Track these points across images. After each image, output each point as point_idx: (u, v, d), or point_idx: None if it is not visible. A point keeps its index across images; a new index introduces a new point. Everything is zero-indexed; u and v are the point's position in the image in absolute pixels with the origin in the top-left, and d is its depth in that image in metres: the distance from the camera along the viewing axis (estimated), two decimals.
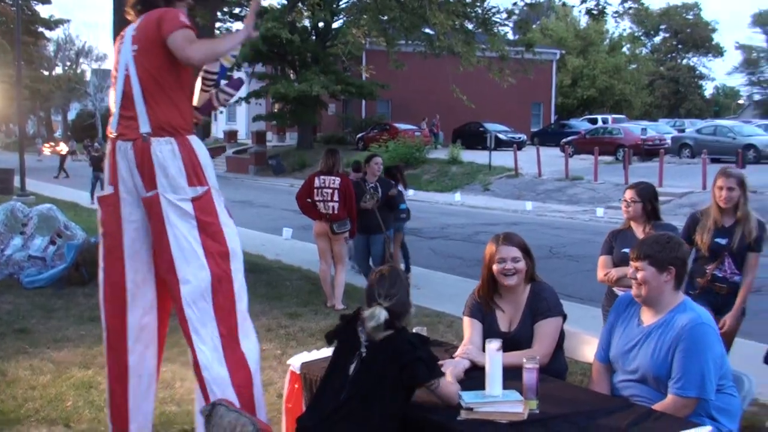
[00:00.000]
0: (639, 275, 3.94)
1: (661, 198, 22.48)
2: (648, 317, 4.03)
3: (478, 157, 33.38)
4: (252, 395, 4.30)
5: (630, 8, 15.27)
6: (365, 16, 13.74)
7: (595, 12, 12.46)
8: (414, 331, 4.34)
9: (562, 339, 4.50)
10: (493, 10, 14.07)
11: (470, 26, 13.89)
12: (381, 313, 3.59)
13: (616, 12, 12.46)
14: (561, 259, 15.09)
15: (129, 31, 4.32)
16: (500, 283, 4.41)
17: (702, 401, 3.78)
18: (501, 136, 38.94)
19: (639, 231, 5.72)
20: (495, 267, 4.39)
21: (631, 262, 4.00)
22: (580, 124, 44.21)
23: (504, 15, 14.48)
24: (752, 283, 5.82)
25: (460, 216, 22.57)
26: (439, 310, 9.67)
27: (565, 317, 4.48)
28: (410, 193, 28.41)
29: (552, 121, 50.45)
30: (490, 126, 40.15)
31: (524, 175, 29.62)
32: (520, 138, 40.23)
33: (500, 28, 14.71)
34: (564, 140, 36.62)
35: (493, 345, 3.74)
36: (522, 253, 4.40)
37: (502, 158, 32.08)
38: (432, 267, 13.62)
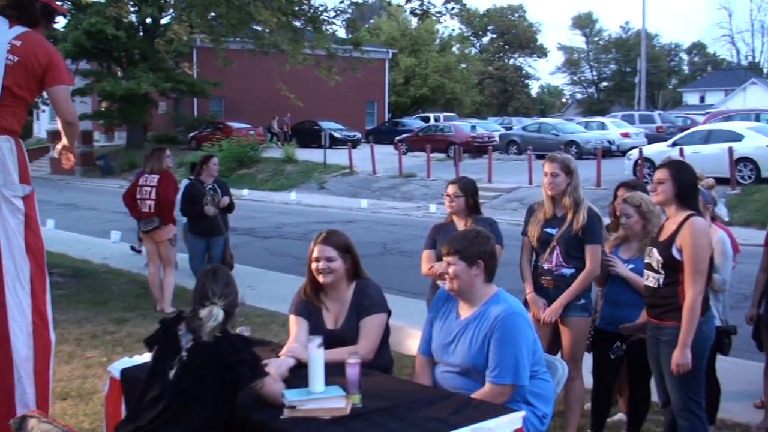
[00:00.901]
0: (450, 270, 4.06)
1: (490, 193, 23.27)
2: (464, 310, 4.16)
3: (314, 155, 33.45)
4: (47, 382, 4.64)
5: (453, 9, 15.66)
6: (192, 13, 13.42)
7: (419, 12, 12.75)
8: (238, 330, 4.30)
9: (387, 334, 4.57)
10: (321, 8, 14.09)
11: (298, 24, 13.87)
12: (219, 313, 3.56)
13: (439, 12, 12.63)
14: (395, 255, 15.35)
15: (4, 33, 4.39)
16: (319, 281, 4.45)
17: (517, 387, 3.95)
18: (336, 134, 39.13)
19: (461, 225, 5.76)
20: (313, 266, 4.42)
21: (443, 258, 4.11)
22: (413, 122, 45.11)
23: (332, 13, 14.56)
24: (590, 277, 5.36)
25: (295, 215, 22.54)
26: (272, 309, 9.63)
27: (390, 313, 4.54)
28: (245, 192, 28.23)
29: (386, 120, 51.23)
30: (325, 124, 40.30)
31: (359, 173, 29.91)
32: (354, 136, 40.60)
33: (329, 26, 14.75)
34: (398, 138, 37.26)
35: (314, 342, 3.76)
36: (339, 252, 4.42)
37: (338, 156, 32.27)
38: (267, 267, 13.55)
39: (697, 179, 4.87)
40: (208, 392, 3.46)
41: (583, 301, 5.38)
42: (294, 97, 15.86)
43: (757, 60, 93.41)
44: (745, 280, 6.72)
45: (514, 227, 15.98)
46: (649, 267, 4.78)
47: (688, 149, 21.28)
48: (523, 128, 36.41)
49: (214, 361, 3.48)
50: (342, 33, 18.37)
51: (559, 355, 5.46)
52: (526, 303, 5.46)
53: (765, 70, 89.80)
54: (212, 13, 13.94)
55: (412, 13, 13.09)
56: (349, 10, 15.78)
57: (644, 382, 5.55)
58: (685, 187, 4.67)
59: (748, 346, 6.61)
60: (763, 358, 6.29)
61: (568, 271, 5.37)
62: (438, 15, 13.36)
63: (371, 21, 57.68)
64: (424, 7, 12.53)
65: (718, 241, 5.73)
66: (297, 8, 13.28)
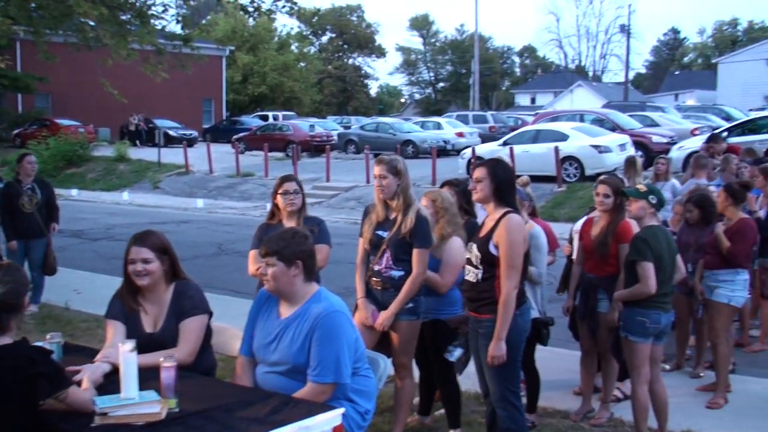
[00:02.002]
0: (269, 271, 4.02)
1: (328, 192, 23.30)
2: (285, 309, 4.13)
3: (148, 154, 32.50)
4: None
5: (283, 6, 15.57)
6: (10, 3, 12.72)
7: (250, 9, 12.63)
8: (48, 337, 4.10)
9: (209, 336, 4.48)
10: (149, 3, 13.69)
11: (124, 17, 13.41)
12: None
13: (269, 10, 12.55)
14: (230, 255, 15.13)
15: None
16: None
17: (339, 385, 3.95)
18: (171, 132, 38.17)
19: (289, 224, 5.74)
20: (129, 268, 4.28)
21: (262, 259, 4.06)
22: (252, 121, 44.54)
23: (161, 8, 14.18)
24: (418, 281, 5.33)
25: (127, 215, 21.80)
26: (99, 314, 9.22)
27: (211, 314, 4.46)
28: (74, 192, 27.10)
29: (224, 118, 50.41)
30: (160, 122, 39.17)
31: (195, 172, 29.30)
32: (191, 134, 39.68)
33: (157, 21, 14.36)
34: (235, 137, 36.75)
35: (126, 346, 3.64)
36: (156, 253, 4.30)
37: (173, 155, 31.50)
38: (95, 270, 13.03)
39: (513, 177, 5.04)
40: (4, 405, 3.26)
41: (411, 304, 5.38)
42: (117, 94, 15.29)
43: (583, 64, 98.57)
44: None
45: (351, 226, 16.17)
46: (469, 262, 4.93)
47: (518, 148, 22.04)
48: (361, 127, 36.72)
49: (8, 373, 3.27)
50: (176, 28, 17.93)
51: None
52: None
53: (590, 74, 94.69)
54: (32, 5, 13.28)
55: (243, 9, 12.94)
56: (183, 7, 15.43)
57: (451, 376, 5.77)
58: (502, 184, 4.83)
59: (569, 336, 6.93)
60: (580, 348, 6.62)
61: (397, 274, 5.36)
62: (268, 12, 13.27)
63: (208, 17, 56.72)
64: (255, 4, 12.44)
65: (533, 235, 5.97)
66: (123, 1, 12.84)
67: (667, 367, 7.61)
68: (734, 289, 6.97)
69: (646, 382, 5.73)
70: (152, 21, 13.84)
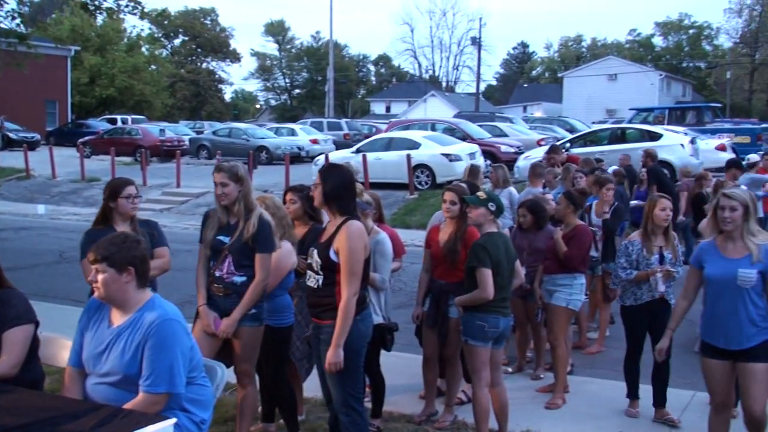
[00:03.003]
0: (99, 278, 3.84)
1: (178, 198, 22.67)
2: (117, 318, 3.96)
3: None
4: None
5: (126, 6, 15.00)
6: None
7: (91, 8, 12.15)
8: None
9: (36, 347, 4.25)
10: None
11: None
12: None
13: (110, 8, 12.06)
14: (72, 263, 14.45)
15: None
16: None
17: (173, 395, 3.82)
18: (12, 135, 36.39)
19: (122, 228, 5.54)
20: None
21: (91, 266, 3.87)
22: (99, 124, 43.00)
23: None
24: (261, 286, 5.27)
25: None
26: None
27: (37, 324, 4.23)
28: None
29: (69, 120, 48.42)
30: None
31: (37, 177, 27.96)
32: (33, 137, 37.90)
33: None
34: (81, 140, 35.36)
35: None
36: None
37: (13, 159, 29.97)
38: None
39: (349, 183, 5.01)
40: None
41: (254, 310, 5.31)
42: None
43: (437, 74, 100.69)
44: (417, 279, 7.11)
45: None
46: (311, 267, 4.89)
47: (371, 156, 22.21)
48: (214, 133, 36.06)
49: None
50: (11, 25, 17.00)
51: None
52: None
53: (444, 84, 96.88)
54: None
55: (83, 8, 12.44)
56: (26, 3, 14.67)
57: (282, 383, 5.79)
58: (334, 190, 4.85)
59: (416, 341, 6.98)
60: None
61: (239, 279, 5.29)
62: (110, 11, 12.79)
63: (53, 15, 54.48)
64: (97, 2, 11.95)
65: (378, 242, 6.01)
66: None
67: (510, 369, 7.83)
68: (572, 293, 7.26)
69: (486, 385, 5.85)
70: None
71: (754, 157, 14.39)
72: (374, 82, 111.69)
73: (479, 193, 6.08)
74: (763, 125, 32.00)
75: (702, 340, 5.33)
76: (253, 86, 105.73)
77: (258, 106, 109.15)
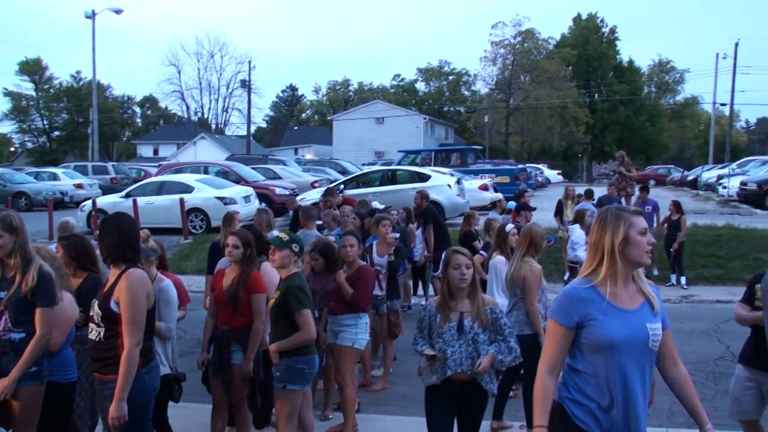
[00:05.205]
0: None
1: None
2: None
3: None
4: None
5: None
6: None
7: None
8: None
9: None
10: None
11: None
12: None
13: None
14: None
15: None
16: None
17: None
18: None
19: None
20: None
21: None
22: None
23: None
24: (42, 342, 4.85)
25: None
26: None
27: None
28: None
29: None
30: None
31: None
32: None
33: None
34: None
35: None
36: None
37: None
38: None
39: (127, 231, 4.80)
40: None
41: (34, 368, 4.94)
42: None
43: (206, 116, 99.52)
44: (199, 326, 6.93)
45: None
46: (92, 320, 4.66)
47: (142, 200, 21.57)
48: None
49: None
50: None
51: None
52: None
53: (213, 126, 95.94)
54: None
55: None
56: None
57: None
58: (113, 240, 4.69)
59: (204, 390, 6.79)
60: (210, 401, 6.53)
61: (17, 336, 4.94)
62: None
63: None
64: None
65: (162, 289, 5.82)
66: None
67: None
68: (357, 332, 7.37)
69: (295, 427, 5.82)
70: None
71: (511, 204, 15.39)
72: (140, 124, 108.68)
73: (281, 235, 6.05)
74: (520, 166, 34.43)
75: None
76: (7, 128, 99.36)
77: (13, 149, 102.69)
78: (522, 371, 7.00)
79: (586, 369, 3.61)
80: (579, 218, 13.45)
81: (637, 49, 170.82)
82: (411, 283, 13.54)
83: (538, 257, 7.22)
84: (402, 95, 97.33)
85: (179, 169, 28.97)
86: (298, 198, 21.93)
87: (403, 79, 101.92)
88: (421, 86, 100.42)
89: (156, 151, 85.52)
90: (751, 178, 29.47)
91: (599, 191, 16.21)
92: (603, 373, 3.55)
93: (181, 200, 21.09)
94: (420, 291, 13.61)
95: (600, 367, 3.56)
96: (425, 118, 73.87)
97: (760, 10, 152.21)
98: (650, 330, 3.56)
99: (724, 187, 32.08)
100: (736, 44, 57.00)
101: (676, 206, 15.12)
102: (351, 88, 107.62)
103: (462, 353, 5.09)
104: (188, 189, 22.21)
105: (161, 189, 22.81)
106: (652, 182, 47.97)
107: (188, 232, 21.15)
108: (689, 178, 45.68)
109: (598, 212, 3.73)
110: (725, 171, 36.79)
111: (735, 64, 56.39)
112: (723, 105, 59.82)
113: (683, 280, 14.98)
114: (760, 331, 5.59)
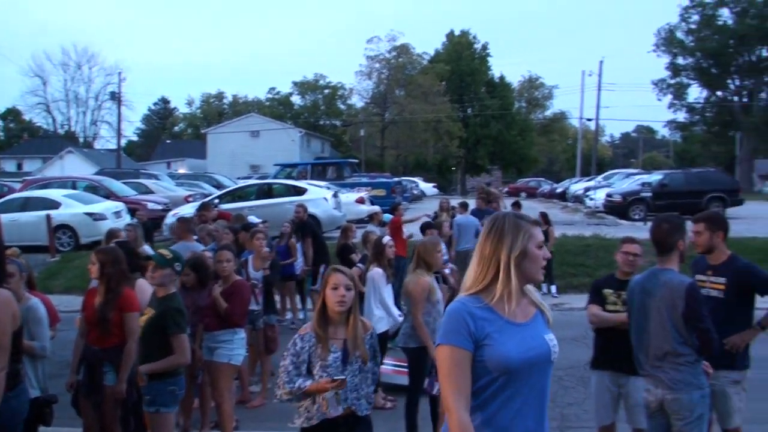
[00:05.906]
0: None
1: None
2: None
3: None
4: None
5: None
6: None
7: None
8: None
9: None
10: None
11: None
12: None
13: None
14: None
15: None
16: None
17: None
18: None
19: None
20: None
21: None
22: None
23: None
24: None
25: None
26: None
27: None
28: None
29: None
30: None
31: None
32: None
33: None
34: None
35: None
36: None
37: None
38: None
39: None
40: None
41: None
42: None
43: (73, 129, 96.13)
44: (68, 346, 6.66)
45: None
46: None
47: (5, 217, 20.51)
48: None
49: None
50: None
51: None
52: None
53: (81, 140, 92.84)
54: None
55: None
56: None
57: None
58: None
59: (74, 413, 6.54)
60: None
61: None
62: None
63: None
64: None
65: (31, 308, 5.60)
66: None
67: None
68: (233, 348, 7.27)
69: None
70: None
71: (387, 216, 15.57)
72: (3, 138, 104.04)
73: (164, 252, 5.90)
74: (396, 179, 34.84)
75: None
76: None
77: None
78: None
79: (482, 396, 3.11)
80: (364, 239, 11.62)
81: (508, 65, 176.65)
82: (298, 298, 13.38)
83: (434, 271, 7.33)
84: (278, 108, 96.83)
85: (45, 184, 27.89)
86: (171, 213, 21.49)
87: (278, 93, 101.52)
88: (296, 99, 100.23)
89: (20, 166, 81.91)
90: (616, 190, 30.86)
91: (474, 203, 16.58)
92: (501, 399, 3.07)
93: (48, 216, 20.29)
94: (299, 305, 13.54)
95: (497, 392, 3.08)
96: (301, 132, 73.85)
97: (623, 31, 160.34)
98: (549, 341, 3.19)
99: (591, 199, 33.45)
100: (601, 62, 59.68)
101: (544, 218, 15.59)
102: (225, 100, 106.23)
103: (348, 385, 4.51)
104: (55, 205, 21.39)
105: (26, 205, 21.87)
106: (523, 194, 49.60)
107: (56, 250, 20.36)
108: (558, 190, 47.34)
109: (491, 219, 3.31)
110: (592, 183, 38.35)
111: (600, 82, 58.97)
112: (589, 120, 62.10)
113: (553, 288, 15.49)
114: (610, 333, 5.92)
